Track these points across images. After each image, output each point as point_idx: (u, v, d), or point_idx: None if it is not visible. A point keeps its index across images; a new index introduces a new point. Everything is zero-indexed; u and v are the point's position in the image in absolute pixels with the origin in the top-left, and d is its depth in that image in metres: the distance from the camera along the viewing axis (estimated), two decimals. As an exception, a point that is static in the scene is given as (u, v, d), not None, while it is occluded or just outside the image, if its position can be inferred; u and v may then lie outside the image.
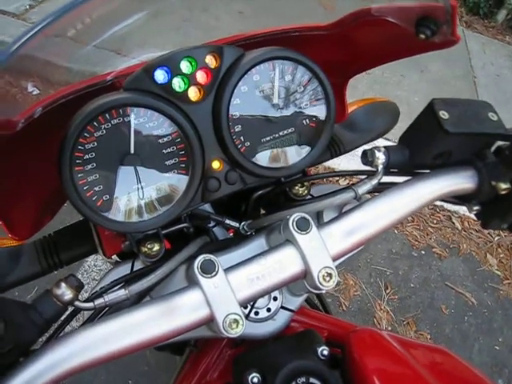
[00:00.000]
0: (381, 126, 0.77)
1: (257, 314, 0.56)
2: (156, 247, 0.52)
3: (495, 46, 4.09)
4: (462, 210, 2.69)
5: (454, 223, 2.64)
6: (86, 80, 0.50)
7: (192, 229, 0.57)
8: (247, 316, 0.56)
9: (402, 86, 3.23)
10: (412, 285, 2.27)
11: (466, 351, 2.08)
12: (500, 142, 0.51)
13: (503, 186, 0.50)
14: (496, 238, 2.62)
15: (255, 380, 0.48)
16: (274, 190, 0.59)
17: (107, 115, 0.46)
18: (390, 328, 2.07)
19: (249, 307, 0.56)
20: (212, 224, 0.62)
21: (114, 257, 0.65)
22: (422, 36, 0.45)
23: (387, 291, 2.20)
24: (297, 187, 0.59)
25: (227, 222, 0.59)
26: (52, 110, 0.47)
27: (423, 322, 2.13)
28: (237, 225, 0.59)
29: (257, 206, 0.63)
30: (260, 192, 0.60)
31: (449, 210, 2.70)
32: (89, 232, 0.58)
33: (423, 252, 2.43)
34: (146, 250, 0.51)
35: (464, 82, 3.45)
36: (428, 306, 2.20)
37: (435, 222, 2.63)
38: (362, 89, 3.00)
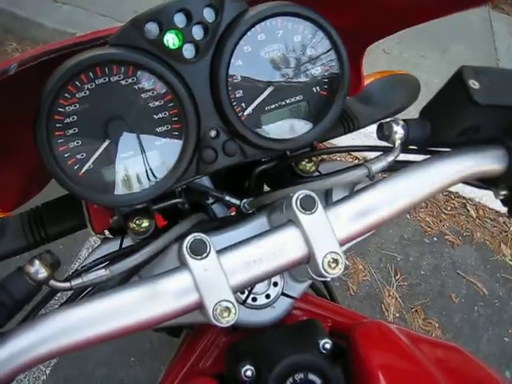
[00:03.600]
0: (399, 101, 0.71)
1: (255, 300, 0.51)
2: (145, 223, 0.47)
3: (521, 28, 3.92)
4: (478, 197, 2.60)
5: (468, 211, 2.56)
6: (72, 38, 0.45)
7: (187, 205, 0.52)
8: (244, 302, 0.51)
9: (422, 66, 3.12)
10: (422, 272, 2.21)
11: (475, 341, 2.03)
12: None
13: None
14: (511, 228, 2.54)
15: (249, 373, 0.44)
16: (278, 164, 0.54)
17: (90, 73, 0.40)
18: (397, 315, 2.03)
19: (246, 293, 0.51)
20: (211, 200, 0.57)
21: (107, 233, 0.60)
22: None
23: (397, 277, 2.15)
24: (304, 162, 0.53)
25: (227, 198, 0.54)
26: (31, 69, 0.41)
27: (432, 310, 2.08)
28: (237, 202, 0.54)
29: (260, 182, 0.58)
30: (263, 167, 0.55)
31: (464, 197, 2.62)
32: (78, 205, 0.54)
33: (435, 239, 2.37)
34: (134, 226, 0.47)
35: (487, 65, 3.32)
36: (438, 294, 2.15)
37: (449, 208, 2.55)
38: (380, 68, 2.90)
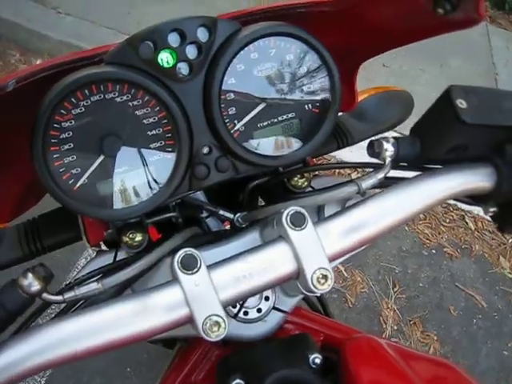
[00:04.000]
0: (393, 117, 0.72)
1: (246, 314, 0.52)
2: (138, 237, 0.47)
3: (520, 42, 3.95)
4: (476, 209, 2.60)
5: (467, 223, 2.57)
6: (70, 54, 0.46)
7: (181, 219, 0.53)
8: (236, 316, 0.52)
9: (420, 80, 3.14)
10: (421, 284, 2.21)
11: (473, 355, 2.02)
12: None
13: None
14: (510, 240, 2.54)
15: None
16: (271, 180, 0.54)
17: (86, 91, 0.41)
18: (396, 327, 2.02)
19: (238, 306, 0.52)
20: (205, 214, 0.58)
21: (103, 246, 0.61)
22: (441, 11, 0.40)
23: (395, 289, 2.15)
24: (296, 178, 0.54)
25: (221, 212, 0.55)
26: (30, 85, 0.42)
27: (430, 323, 2.07)
28: (231, 216, 0.54)
29: (254, 196, 0.58)
30: (256, 182, 0.55)
31: (462, 210, 2.62)
32: (74, 218, 0.54)
33: (434, 251, 2.37)
34: (128, 239, 0.47)
35: (485, 79, 3.34)
36: (436, 306, 2.14)
37: (448, 220, 2.56)
38: (378, 82, 2.92)
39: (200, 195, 0.58)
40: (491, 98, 0.45)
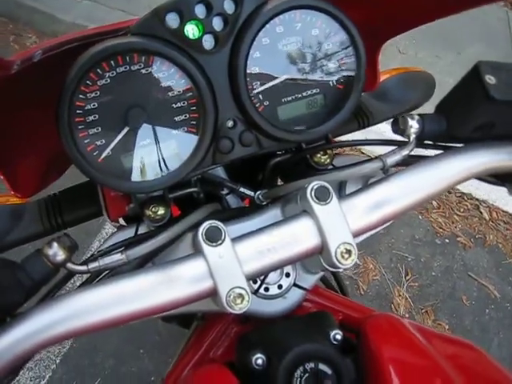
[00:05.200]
0: (414, 98, 0.71)
1: (267, 290, 0.52)
2: (161, 211, 0.48)
3: (540, 29, 3.86)
4: (491, 199, 2.58)
5: (481, 213, 2.54)
6: (95, 28, 0.45)
7: (202, 195, 0.53)
8: (256, 292, 0.52)
9: (436, 67, 3.09)
10: (433, 273, 2.20)
11: (485, 345, 2.02)
12: None
13: None
14: (525, 231, 2.51)
15: (259, 361, 0.44)
16: (293, 157, 0.54)
17: (112, 62, 0.41)
18: (407, 315, 2.02)
19: (258, 282, 0.52)
20: (225, 191, 0.58)
21: (122, 221, 0.61)
22: None
23: (407, 277, 2.14)
24: (319, 155, 0.54)
25: (241, 190, 0.54)
26: (54, 57, 0.42)
27: (442, 312, 2.07)
28: (252, 193, 0.54)
29: (275, 174, 0.58)
30: (278, 159, 0.55)
31: (477, 199, 2.60)
32: (95, 193, 0.55)
33: (447, 240, 2.35)
34: (150, 213, 0.47)
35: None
36: (448, 295, 2.14)
37: (462, 210, 2.53)
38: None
39: (221, 172, 0.58)
40: None
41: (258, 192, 0.54)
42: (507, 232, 2.48)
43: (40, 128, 0.51)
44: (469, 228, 2.46)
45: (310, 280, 0.53)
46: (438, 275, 2.20)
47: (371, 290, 2.07)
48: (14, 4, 2.80)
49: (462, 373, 0.46)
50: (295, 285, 0.53)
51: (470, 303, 2.13)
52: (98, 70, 0.41)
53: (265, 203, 0.54)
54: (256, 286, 0.52)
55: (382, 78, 0.73)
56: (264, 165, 0.57)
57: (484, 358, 0.50)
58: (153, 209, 0.47)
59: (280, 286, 0.52)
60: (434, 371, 0.47)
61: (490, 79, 0.43)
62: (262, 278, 0.52)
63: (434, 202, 2.56)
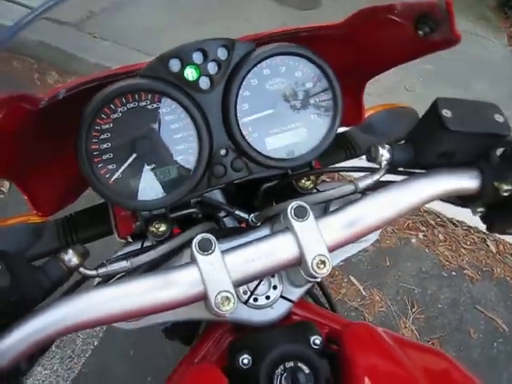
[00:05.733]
0: (399, 131, 0.78)
1: (256, 300, 0.58)
2: (162, 228, 0.54)
3: (545, 67, 3.95)
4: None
5: (488, 246, 2.56)
6: (110, 70, 0.54)
7: (201, 215, 0.60)
8: (246, 302, 0.57)
9: (443, 103, 3.18)
10: (440, 305, 2.21)
11: (495, 379, 2.00)
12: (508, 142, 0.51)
13: (505, 187, 0.50)
14: (533, 265, 2.51)
15: (245, 361, 0.50)
16: (281, 182, 0.61)
17: (123, 99, 0.49)
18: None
19: (248, 293, 0.58)
20: (223, 214, 0.64)
21: (129, 239, 0.68)
22: (421, 33, 0.47)
23: (413, 310, 2.15)
24: (303, 180, 0.60)
25: (237, 212, 0.61)
26: (75, 94, 0.51)
27: (449, 344, 2.06)
28: (246, 216, 0.61)
29: (267, 198, 0.65)
30: (268, 184, 0.62)
31: (483, 232, 2.62)
32: (106, 214, 0.62)
33: (454, 273, 2.36)
34: (154, 229, 0.54)
35: (509, 101, 3.36)
36: (455, 328, 2.13)
37: (468, 243, 2.55)
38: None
39: (219, 196, 0.65)
40: (474, 108, 0.51)
41: (252, 214, 0.61)
42: (515, 265, 2.49)
43: (60, 155, 0.59)
44: (476, 261, 2.47)
45: (295, 293, 0.59)
46: (445, 307, 2.20)
47: (377, 321, 2.08)
48: (40, 44, 2.99)
49: (431, 378, 0.51)
50: (282, 297, 0.58)
51: (478, 336, 2.12)
52: (112, 106, 0.49)
53: (258, 224, 0.61)
54: (246, 297, 0.58)
55: (370, 112, 0.80)
56: (257, 189, 0.64)
57: (453, 364, 0.55)
58: (156, 225, 0.54)
59: (268, 297, 0.58)
60: (406, 378, 0.51)
61: (447, 113, 0.50)
62: (251, 289, 0.58)
63: (440, 236, 2.59)
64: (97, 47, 3.06)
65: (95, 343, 1.87)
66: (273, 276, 0.58)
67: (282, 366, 0.49)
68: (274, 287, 0.58)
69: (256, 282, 0.58)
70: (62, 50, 3.00)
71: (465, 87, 3.35)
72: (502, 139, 0.50)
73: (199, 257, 0.45)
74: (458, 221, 2.68)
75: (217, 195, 0.65)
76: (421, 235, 2.59)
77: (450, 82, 3.34)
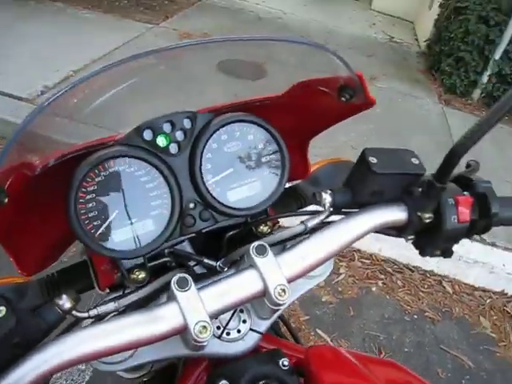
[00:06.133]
0: (340, 180, 0.90)
1: (228, 334, 0.65)
2: (142, 274, 0.62)
3: (474, 120, 4.35)
4: (452, 273, 2.76)
5: (444, 287, 2.70)
6: (92, 141, 0.63)
7: (174, 264, 0.68)
8: (220, 336, 0.64)
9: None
10: (406, 349, 2.28)
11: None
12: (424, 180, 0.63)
13: (426, 215, 0.61)
14: (488, 301, 2.66)
15: None
16: (242, 229, 0.70)
17: (106, 164, 0.58)
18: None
19: (221, 329, 0.65)
20: (193, 263, 0.72)
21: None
22: (343, 99, 0.60)
23: (381, 356, 2.21)
24: (261, 226, 0.70)
25: (205, 261, 0.69)
26: (63, 162, 0.59)
27: (419, 387, 2.11)
28: (214, 263, 0.69)
29: (231, 245, 0.74)
30: (231, 233, 0.71)
31: (439, 275, 2.77)
32: (86, 271, 0.69)
33: (416, 316, 2.47)
34: (135, 276, 0.61)
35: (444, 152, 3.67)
36: (424, 369, 2.21)
37: (426, 286, 2.69)
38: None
39: (188, 248, 0.73)
40: (395, 155, 0.63)
41: (219, 261, 0.69)
42: (471, 303, 2.63)
43: (47, 217, 0.66)
44: (435, 303, 2.59)
45: (263, 325, 0.67)
46: (411, 351, 2.28)
47: (348, 370, 2.12)
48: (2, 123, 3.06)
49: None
50: (251, 329, 0.66)
51: (446, 375, 2.20)
52: (96, 171, 0.58)
53: (225, 269, 0.69)
54: (219, 332, 0.65)
55: (315, 167, 0.92)
56: (222, 239, 0.73)
57: (406, 372, 0.63)
58: (136, 273, 0.61)
59: (239, 331, 0.65)
60: None
61: (373, 160, 0.62)
62: (224, 324, 0.65)
63: (398, 282, 2.72)
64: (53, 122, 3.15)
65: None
66: (241, 311, 0.66)
67: None
68: (244, 321, 0.66)
69: (228, 318, 0.65)
70: (16, 124, 3.08)
71: (404, 143, 3.63)
72: (419, 177, 0.63)
73: (178, 293, 0.53)
74: (413, 266, 2.83)
75: (186, 247, 0.73)
76: (380, 283, 2.71)
77: (391, 139, 3.62)
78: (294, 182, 0.88)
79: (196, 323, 0.51)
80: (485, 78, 4.59)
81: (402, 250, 2.83)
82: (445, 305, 2.59)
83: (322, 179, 0.89)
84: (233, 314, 0.66)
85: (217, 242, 0.74)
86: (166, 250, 0.66)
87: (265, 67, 4.06)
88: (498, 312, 2.61)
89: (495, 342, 2.41)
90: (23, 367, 0.46)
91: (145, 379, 0.85)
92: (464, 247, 2.82)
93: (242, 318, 0.66)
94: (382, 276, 2.74)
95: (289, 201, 0.82)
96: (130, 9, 5.39)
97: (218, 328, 0.65)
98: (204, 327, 0.51)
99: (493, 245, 2.89)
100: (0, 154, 0.46)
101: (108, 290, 0.70)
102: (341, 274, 2.70)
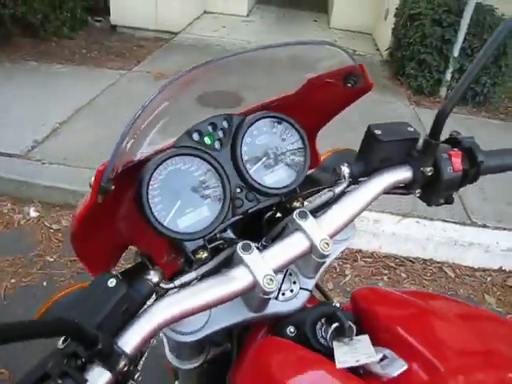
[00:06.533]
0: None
1: (284, 294, 0.76)
2: (205, 254, 0.73)
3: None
4: (450, 258, 2.90)
5: (446, 272, 2.83)
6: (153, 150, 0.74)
7: (226, 246, 0.79)
8: (276, 297, 0.76)
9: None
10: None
11: None
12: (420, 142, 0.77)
13: (428, 169, 0.75)
14: (488, 279, 2.80)
15: (291, 330, 0.68)
16: (281, 204, 0.82)
17: (166, 164, 0.71)
18: None
19: (277, 291, 0.76)
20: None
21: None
22: (349, 85, 0.74)
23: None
24: (294, 202, 0.82)
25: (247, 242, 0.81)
26: (127, 169, 0.71)
27: None
28: (255, 244, 0.81)
29: (269, 226, 0.85)
30: (269, 214, 0.83)
31: (439, 262, 2.91)
32: (146, 269, 0.79)
33: (424, 302, 2.58)
34: (199, 256, 0.72)
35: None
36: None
37: (428, 274, 2.82)
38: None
39: (231, 235, 0.84)
40: (395, 126, 0.78)
41: (262, 240, 0.81)
42: (474, 283, 2.76)
43: (110, 224, 0.77)
44: (440, 288, 2.72)
45: (310, 284, 0.78)
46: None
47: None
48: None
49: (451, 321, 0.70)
50: (301, 288, 0.77)
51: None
52: (158, 170, 0.70)
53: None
54: (276, 294, 0.76)
55: (323, 157, 1.06)
56: (260, 221, 0.85)
57: (454, 301, 0.75)
58: (200, 253, 0.73)
59: (291, 291, 0.77)
60: (426, 316, 0.71)
61: (378, 131, 0.76)
62: (279, 287, 0.76)
63: (402, 274, 2.84)
64: (46, 171, 3.25)
65: None
66: (290, 274, 0.78)
67: (319, 323, 0.67)
68: (294, 282, 0.77)
69: (280, 281, 0.77)
70: (12, 180, 3.17)
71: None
72: (417, 141, 0.77)
73: (244, 256, 0.64)
74: (414, 258, 2.97)
75: (230, 234, 0.85)
76: (385, 278, 2.83)
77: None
78: (309, 171, 1.02)
79: (264, 276, 0.63)
80: (448, 76, 4.88)
81: (400, 244, 2.98)
82: (449, 288, 2.71)
83: (332, 165, 1.03)
84: (284, 277, 0.77)
85: (255, 225, 0.86)
86: (218, 235, 0.78)
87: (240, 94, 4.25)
88: (500, 288, 2.75)
89: (504, 315, 2.54)
90: (132, 329, 0.57)
91: (200, 370, 0.95)
92: (457, 232, 2.98)
93: (292, 280, 0.78)
94: (386, 271, 2.86)
95: (310, 185, 0.95)
96: (101, 59, 5.57)
97: (275, 291, 0.76)
98: (271, 279, 0.63)
99: (484, 226, 3.06)
100: (115, 148, 0.58)
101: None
102: (347, 276, 2.82)
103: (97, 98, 4.45)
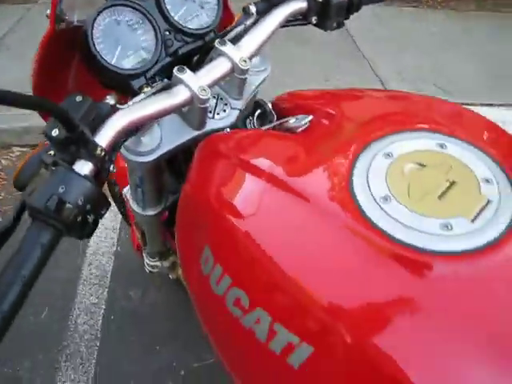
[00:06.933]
0: None
1: (218, 114, 0.96)
2: (149, 88, 0.89)
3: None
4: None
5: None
6: None
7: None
8: (213, 117, 0.95)
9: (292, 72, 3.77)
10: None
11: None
12: None
13: None
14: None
15: (228, 130, 0.90)
16: (202, 50, 0.98)
17: (103, 16, 0.85)
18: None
19: (212, 112, 0.95)
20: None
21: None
22: None
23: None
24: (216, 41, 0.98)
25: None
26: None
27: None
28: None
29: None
30: (196, 58, 0.99)
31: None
32: None
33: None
34: (145, 89, 0.89)
35: (345, 43, 4.11)
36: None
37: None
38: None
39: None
40: None
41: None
42: None
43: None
44: None
45: (238, 104, 0.97)
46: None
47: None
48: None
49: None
50: (232, 108, 0.97)
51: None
52: (98, 21, 0.84)
53: None
54: (212, 114, 0.95)
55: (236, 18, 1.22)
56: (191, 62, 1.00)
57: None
58: (145, 88, 0.89)
59: (224, 111, 0.96)
60: None
61: None
62: (213, 109, 0.95)
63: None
64: None
65: (98, 344, 2.08)
66: (221, 99, 0.97)
67: (248, 119, 0.89)
68: (225, 104, 0.97)
69: (214, 105, 0.95)
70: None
71: (308, 41, 3.96)
72: None
73: (180, 75, 0.81)
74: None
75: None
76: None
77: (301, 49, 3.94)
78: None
79: (198, 87, 0.81)
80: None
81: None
82: None
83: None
84: (217, 102, 0.96)
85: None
86: (158, 78, 0.94)
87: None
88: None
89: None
90: (103, 129, 0.71)
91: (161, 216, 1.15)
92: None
93: (224, 103, 0.97)
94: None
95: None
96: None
97: (210, 112, 0.95)
98: (204, 90, 0.81)
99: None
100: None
101: None
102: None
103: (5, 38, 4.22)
